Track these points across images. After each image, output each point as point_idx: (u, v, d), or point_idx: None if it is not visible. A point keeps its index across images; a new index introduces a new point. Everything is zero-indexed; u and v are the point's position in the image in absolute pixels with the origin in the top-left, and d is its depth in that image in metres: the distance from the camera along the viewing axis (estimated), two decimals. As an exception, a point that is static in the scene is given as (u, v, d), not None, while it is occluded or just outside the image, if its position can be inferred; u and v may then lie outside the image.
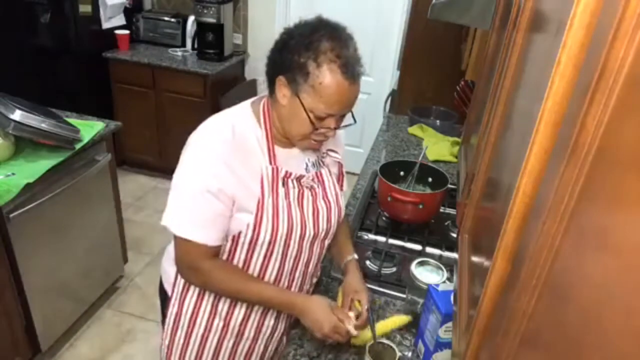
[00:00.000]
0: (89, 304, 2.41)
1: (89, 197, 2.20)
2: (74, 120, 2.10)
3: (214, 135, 1.07)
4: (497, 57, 1.02)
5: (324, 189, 1.21)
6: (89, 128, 2.12)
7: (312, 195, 1.17)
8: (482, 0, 1.34)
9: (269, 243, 1.11)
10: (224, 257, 1.14)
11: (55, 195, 1.92)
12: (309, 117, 1.03)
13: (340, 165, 1.30)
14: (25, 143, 1.89)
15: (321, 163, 1.23)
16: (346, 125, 1.12)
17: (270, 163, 1.09)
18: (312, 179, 1.18)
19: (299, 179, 1.14)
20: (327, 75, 0.99)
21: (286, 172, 1.11)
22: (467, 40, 2.30)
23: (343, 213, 1.27)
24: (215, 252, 1.11)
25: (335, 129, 1.08)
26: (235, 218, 1.08)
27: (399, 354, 1.12)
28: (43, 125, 1.79)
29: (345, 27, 1.06)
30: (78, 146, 1.98)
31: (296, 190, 1.14)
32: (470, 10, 1.39)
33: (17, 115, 1.72)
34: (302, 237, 1.15)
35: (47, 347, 2.12)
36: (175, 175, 1.08)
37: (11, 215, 1.75)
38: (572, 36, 0.45)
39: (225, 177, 1.03)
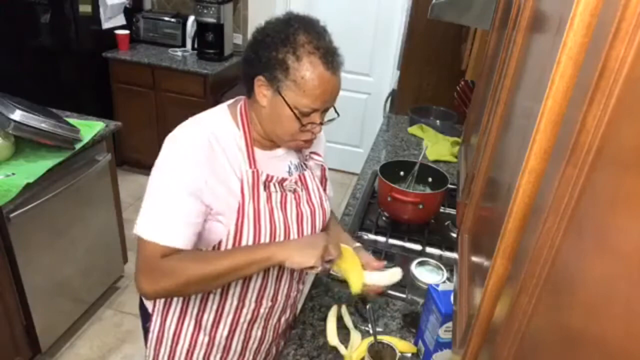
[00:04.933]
0: (89, 304, 2.41)
1: (89, 197, 2.20)
2: (74, 120, 2.10)
3: (190, 139, 1.02)
4: (497, 57, 1.02)
5: (307, 192, 1.17)
6: (89, 128, 2.12)
7: (295, 199, 1.13)
8: (482, 0, 1.34)
9: None
10: None
11: (55, 195, 1.92)
12: (294, 113, 1.00)
13: (323, 169, 1.26)
14: (25, 143, 1.89)
15: (304, 166, 1.20)
16: (330, 120, 1.09)
17: (250, 167, 1.05)
18: (295, 182, 1.14)
19: (281, 182, 1.10)
20: (308, 68, 0.96)
21: (267, 175, 1.07)
22: (467, 40, 2.30)
23: (328, 216, 1.24)
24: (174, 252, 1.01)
25: (321, 124, 1.05)
26: (214, 225, 1.04)
27: (399, 354, 1.12)
28: (43, 125, 1.79)
29: (318, 19, 1.04)
30: (78, 146, 1.98)
31: (279, 194, 1.10)
32: (470, 10, 1.39)
33: (17, 115, 1.72)
34: None
35: (47, 347, 2.12)
36: (150, 179, 1.03)
37: (11, 215, 1.75)
38: (572, 36, 0.45)
39: (200, 182, 0.99)
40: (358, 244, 1.26)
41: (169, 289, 1.03)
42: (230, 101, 1.13)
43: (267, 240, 1.07)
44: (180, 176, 0.99)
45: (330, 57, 0.98)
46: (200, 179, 0.99)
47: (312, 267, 1.02)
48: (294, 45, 0.96)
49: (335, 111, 1.10)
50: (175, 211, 1.00)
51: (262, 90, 1.02)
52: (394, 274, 1.19)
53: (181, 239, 1.00)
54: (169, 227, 1.00)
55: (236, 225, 1.04)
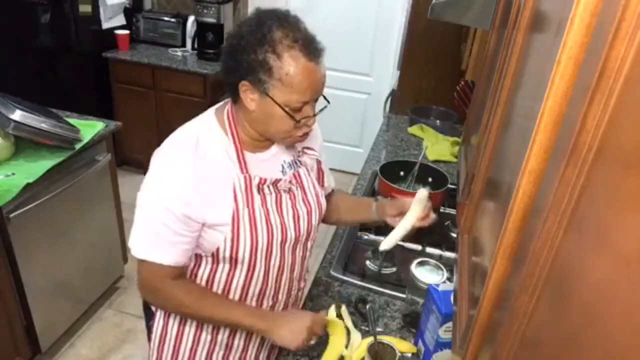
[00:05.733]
0: (89, 304, 2.41)
1: (89, 197, 2.20)
2: (74, 120, 2.10)
3: (177, 153, 1.02)
4: (497, 57, 1.02)
5: (303, 190, 1.16)
6: (89, 128, 2.12)
7: (290, 198, 1.13)
8: (482, 0, 1.34)
9: (250, 254, 1.07)
10: (206, 274, 1.11)
11: (55, 195, 1.92)
12: (285, 112, 0.98)
13: (318, 162, 1.26)
14: (25, 143, 1.89)
15: (298, 163, 1.18)
16: (322, 109, 1.08)
17: (242, 172, 1.04)
18: (290, 181, 1.13)
19: (275, 183, 1.09)
20: (291, 63, 0.94)
21: (260, 178, 1.06)
22: (467, 40, 2.30)
23: (324, 211, 1.24)
24: (178, 272, 1.08)
25: (314, 115, 1.04)
26: (211, 234, 1.04)
27: (399, 354, 1.12)
28: (43, 125, 1.79)
29: (289, 10, 1.01)
30: (78, 146, 1.98)
31: (273, 196, 1.09)
32: (470, 10, 1.39)
33: (17, 115, 1.72)
34: (283, 243, 1.12)
35: (47, 347, 2.12)
36: (139, 194, 1.04)
37: (11, 215, 1.75)
38: (572, 36, 0.45)
39: (190, 199, 0.99)
40: (379, 198, 1.32)
41: (162, 308, 1.18)
42: (218, 105, 1.11)
43: (265, 243, 1.07)
44: (167, 198, 1.00)
45: (310, 47, 0.96)
46: (188, 197, 0.99)
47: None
48: (271, 43, 0.94)
49: (325, 98, 1.08)
50: (164, 231, 1.02)
51: (249, 95, 1.00)
52: (420, 197, 1.20)
53: (172, 257, 1.05)
54: (160, 247, 1.04)
55: (232, 231, 1.04)
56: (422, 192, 1.20)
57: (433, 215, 1.23)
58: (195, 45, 3.50)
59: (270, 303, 1.20)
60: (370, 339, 1.17)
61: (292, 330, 1.08)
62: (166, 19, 3.56)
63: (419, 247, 1.62)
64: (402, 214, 1.21)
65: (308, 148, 1.21)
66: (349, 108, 3.68)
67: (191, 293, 1.10)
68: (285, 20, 0.97)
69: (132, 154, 3.65)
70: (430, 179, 1.78)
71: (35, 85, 3.18)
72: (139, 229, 1.05)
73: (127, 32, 3.44)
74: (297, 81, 0.95)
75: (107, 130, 2.19)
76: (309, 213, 1.16)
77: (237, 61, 0.98)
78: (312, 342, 1.13)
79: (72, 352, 2.27)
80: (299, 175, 1.16)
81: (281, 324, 1.10)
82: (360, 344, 1.20)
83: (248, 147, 1.08)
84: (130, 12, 3.53)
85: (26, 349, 2.02)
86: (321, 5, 3.47)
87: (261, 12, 1.00)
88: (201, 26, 3.37)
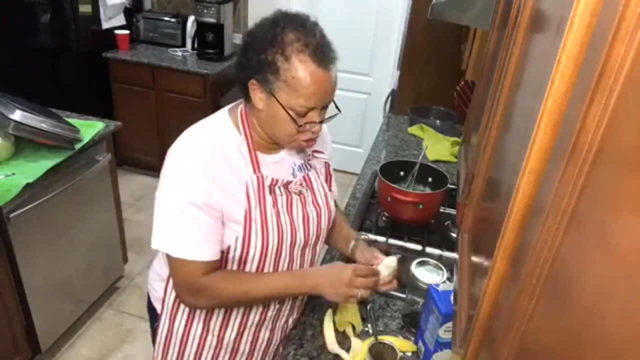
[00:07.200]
0: (89, 304, 2.41)
1: (89, 197, 2.20)
2: (74, 120, 2.10)
3: (193, 148, 1.02)
4: (497, 57, 1.02)
5: (313, 193, 1.16)
6: (89, 128, 2.12)
7: (301, 201, 1.13)
8: (482, 0, 1.34)
9: (260, 255, 1.07)
10: None
11: (55, 195, 1.92)
12: (289, 115, 0.97)
13: (327, 166, 1.26)
14: (25, 143, 1.89)
15: (308, 166, 1.18)
16: (331, 117, 1.06)
17: (255, 172, 1.04)
18: (300, 184, 1.13)
19: (286, 185, 1.09)
20: (298, 67, 0.93)
21: (272, 179, 1.06)
22: (467, 40, 2.30)
23: (333, 215, 1.23)
24: (214, 267, 1.06)
25: (321, 122, 1.03)
26: (224, 232, 1.04)
27: (400, 354, 1.11)
28: (43, 125, 1.79)
29: (308, 15, 1.00)
30: (78, 146, 1.98)
31: (284, 197, 1.09)
32: (470, 10, 1.39)
33: (17, 115, 1.72)
34: (292, 245, 1.12)
35: (47, 347, 2.12)
36: (158, 193, 1.03)
37: (11, 215, 1.75)
38: (572, 36, 0.45)
39: (208, 190, 0.99)
40: (361, 237, 1.28)
41: (209, 306, 1.13)
42: (231, 105, 1.12)
43: (275, 244, 1.07)
44: (190, 189, 0.99)
45: (320, 53, 0.95)
46: (208, 190, 0.99)
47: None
48: (282, 45, 0.94)
49: (336, 107, 1.08)
50: (195, 225, 1.00)
51: (257, 94, 1.00)
52: (387, 264, 1.17)
53: (210, 252, 1.03)
54: (196, 242, 1.01)
55: (244, 231, 1.04)
56: (391, 260, 1.18)
57: (395, 284, 1.19)
58: (195, 45, 3.50)
59: (277, 306, 1.20)
60: (370, 339, 1.17)
61: (333, 286, 1.08)
62: (166, 19, 3.56)
63: (419, 247, 1.62)
64: (370, 265, 1.18)
65: (318, 151, 1.22)
66: (349, 108, 3.65)
67: (233, 279, 1.08)
68: (301, 25, 0.96)
69: (132, 154, 3.65)
70: (430, 179, 1.78)
71: (35, 85, 3.18)
72: (168, 227, 1.02)
73: (127, 32, 3.44)
74: (304, 86, 0.94)
75: (107, 130, 2.19)
76: (319, 215, 1.16)
77: (248, 59, 0.98)
78: (361, 294, 1.09)
79: (72, 352, 2.27)
80: (309, 178, 1.16)
81: (324, 281, 1.10)
82: (362, 345, 1.20)
83: (260, 148, 1.08)
84: (130, 12, 3.53)
85: (26, 349, 2.02)
86: (321, 5, 3.47)
87: (278, 13, 1.00)
88: (201, 26, 3.37)
